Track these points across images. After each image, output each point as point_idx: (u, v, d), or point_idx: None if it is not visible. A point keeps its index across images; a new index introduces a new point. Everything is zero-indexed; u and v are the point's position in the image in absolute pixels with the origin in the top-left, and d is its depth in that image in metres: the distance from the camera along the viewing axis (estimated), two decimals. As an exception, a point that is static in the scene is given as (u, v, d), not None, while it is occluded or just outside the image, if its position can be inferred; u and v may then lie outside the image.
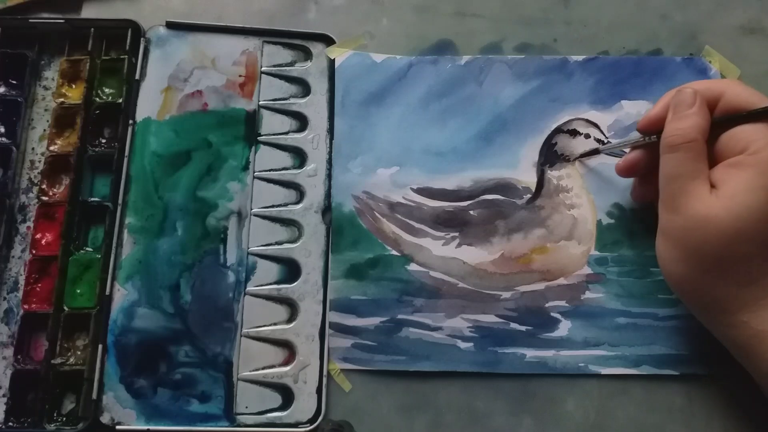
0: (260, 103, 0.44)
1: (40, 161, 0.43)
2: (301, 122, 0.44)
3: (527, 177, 0.42)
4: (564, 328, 0.39)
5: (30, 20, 0.44)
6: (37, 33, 0.45)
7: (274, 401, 0.39)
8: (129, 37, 0.44)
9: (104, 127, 0.43)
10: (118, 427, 0.38)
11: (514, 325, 0.40)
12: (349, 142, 0.43)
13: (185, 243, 0.41)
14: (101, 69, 0.44)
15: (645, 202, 0.40)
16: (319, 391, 0.38)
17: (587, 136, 0.42)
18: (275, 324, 0.40)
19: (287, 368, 0.39)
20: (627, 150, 0.39)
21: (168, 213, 0.41)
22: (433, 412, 0.38)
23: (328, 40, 0.45)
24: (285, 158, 0.43)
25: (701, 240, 0.32)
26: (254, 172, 0.42)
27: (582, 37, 0.45)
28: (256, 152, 0.43)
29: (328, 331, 0.40)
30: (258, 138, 0.43)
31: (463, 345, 0.39)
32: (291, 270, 0.41)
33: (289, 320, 0.40)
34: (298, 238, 0.41)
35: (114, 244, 0.40)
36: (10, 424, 0.38)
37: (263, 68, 0.45)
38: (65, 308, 0.39)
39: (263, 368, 0.39)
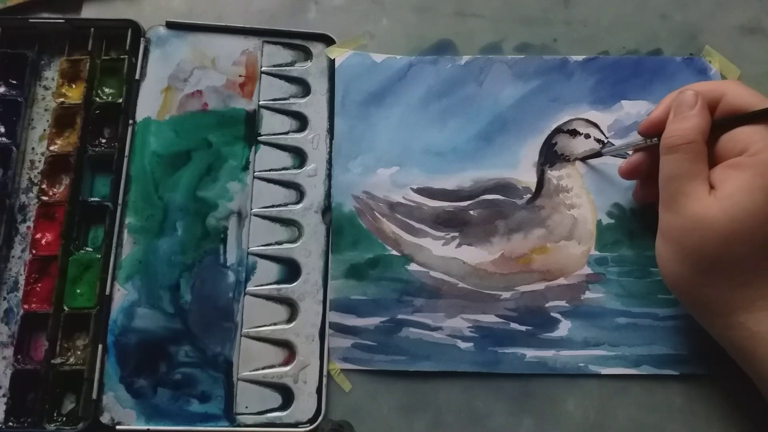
0: (260, 103, 0.44)
1: (40, 161, 0.43)
2: (301, 122, 0.44)
3: (527, 177, 0.42)
4: (564, 328, 0.39)
5: (30, 20, 0.44)
6: (37, 33, 0.45)
7: (274, 401, 0.39)
8: (129, 37, 0.44)
9: (104, 127, 0.43)
10: (118, 427, 0.38)
11: (514, 325, 0.40)
12: (349, 142, 0.43)
13: (185, 243, 0.41)
14: (101, 69, 0.44)
15: (647, 203, 0.40)
16: (319, 391, 0.38)
17: (587, 136, 0.42)
18: (275, 324, 0.40)
19: (287, 368, 0.39)
20: (630, 151, 0.39)
21: (168, 213, 0.41)
22: (433, 412, 0.38)
23: (328, 40, 0.45)
24: (285, 158, 0.43)
25: (699, 240, 0.33)
26: (254, 172, 0.42)
27: (582, 37, 0.45)
28: (256, 152, 0.43)
29: (328, 331, 0.40)
30: (258, 138, 0.43)
31: (463, 345, 0.39)
32: (291, 270, 0.41)
33: (289, 320, 0.40)
34: (298, 238, 0.41)
35: (114, 244, 0.40)
36: (10, 424, 0.38)
37: (263, 68, 0.45)
38: (65, 308, 0.39)
39: (263, 368, 0.39)
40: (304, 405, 0.38)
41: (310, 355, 0.39)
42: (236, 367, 0.39)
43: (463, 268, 0.41)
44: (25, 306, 0.40)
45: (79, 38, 0.44)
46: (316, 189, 0.42)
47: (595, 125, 0.43)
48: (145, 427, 0.38)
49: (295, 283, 0.41)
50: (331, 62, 0.45)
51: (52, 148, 0.42)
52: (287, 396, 0.39)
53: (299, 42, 0.45)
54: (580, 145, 0.42)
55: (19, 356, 0.39)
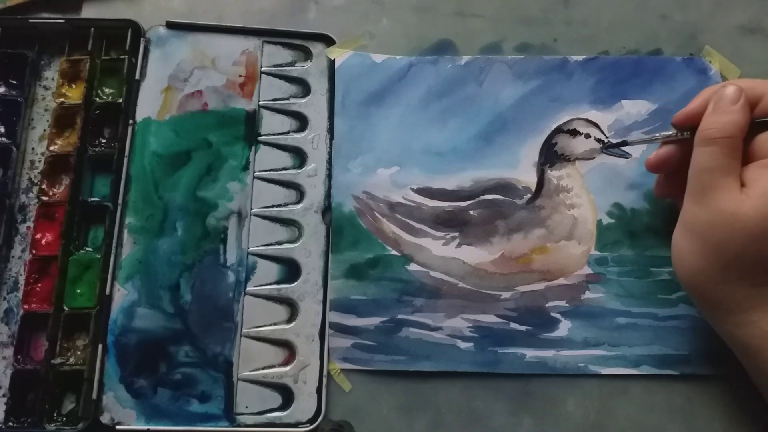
0: (260, 103, 0.44)
1: (40, 161, 0.43)
2: (301, 122, 0.44)
3: (527, 177, 0.42)
4: (564, 328, 0.39)
5: (30, 20, 0.44)
6: (37, 33, 0.45)
7: (274, 401, 0.39)
8: (129, 37, 0.44)
9: (104, 127, 0.43)
10: (118, 427, 0.38)
11: (514, 325, 0.40)
12: (349, 142, 0.43)
13: (185, 243, 0.41)
14: (101, 69, 0.44)
15: (667, 198, 0.40)
16: (319, 391, 0.38)
17: (587, 135, 0.42)
18: (275, 324, 0.40)
19: (287, 368, 0.39)
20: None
21: (168, 213, 0.41)
22: (433, 412, 0.38)
23: (328, 40, 0.45)
24: (285, 158, 0.43)
25: (726, 236, 0.32)
26: (254, 172, 0.42)
27: (582, 37, 0.45)
28: (256, 152, 0.43)
29: (328, 331, 0.40)
30: (258, 138, 0.43)
31: (463, 345, 0.39)
32: (291, 270, 0.41)
33: (289, 320, 0.40)
34: (298, 238, 0.41)
35: (114, 244, 0.40)
36: (10, 424, 0.38)
37: (263, 68, 0.45)
38: (65, 308, 0.39)
39: (263, 368, 0.39)
40: (304, 405, 0.38)
41: (310, 355, 0.39)
42: (236, 367, 0.39)
43: (463, 268, 0.41)
44: (25, 306, 0.40)
45: (79, 38, 0.44)
46: (316, 189, 0.42)
47: (596, 125, 0.43)
48: (145, 427, 0.38)
49: (295, 283, 0.40)
50: (331, 62, 0.45)
51: (52, 148, 0.42)
52: (287, 396, 0.39)
53: (299, 42, 0.45)
54: (580, 145, 0.42)
55: (19, 356, 0.39)
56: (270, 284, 0.41)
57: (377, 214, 0.42)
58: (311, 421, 0.38)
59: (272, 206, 0.42)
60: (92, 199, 0.42)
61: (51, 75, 0.45)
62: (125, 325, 0.39)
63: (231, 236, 0.41)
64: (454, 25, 0.46)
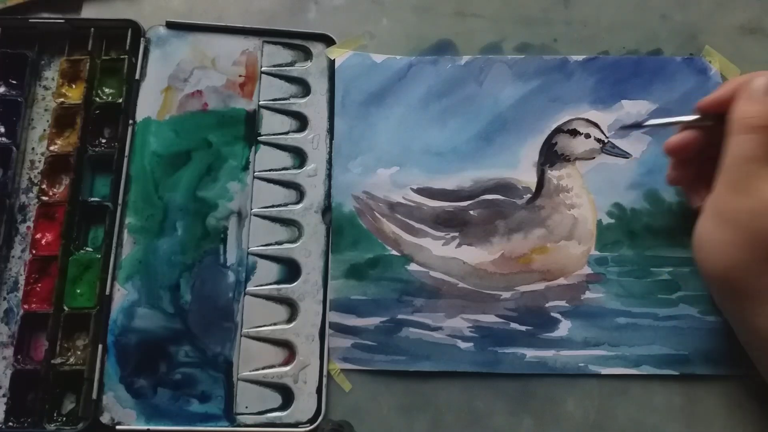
0: (260, 103, 0.44)
1: (40, 161, 0.43)
2: (301, 122, 0.44)
3: (527, 177, 0.42)
4: (564, 328, 0.39)
5: (30, 20, 0.44)
6: (37, 33, 0.45)
7: (274, 401, 0.39)
8: (129, 37, 0.44)
9: (104, 127, 0.43)
10: (118, 427, 0.38)
11: (514, 325, 0.40)
12: (349, 142, 0.43)
13: (185, 243, 0.41)
14: (101, 69, 0.44)
15: (679, 185, 0.39)
16: (319, 391, 0.38)
17: (587, 135, 0.42)
18: (275, 324, 0.40)
19: (287, 368, 0.39)
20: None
21: (168, 213, 0.41)
22: (433, 412, 0.38)
23: (328, 40, 0.45)
24: (285, 158, 0.43)
25: None
26: (254, 172, 0.42)
27: (582, 37, 0.45)
28: (256, 152, 0.43)
29: (328, 331, 0.40)
30: (258, 138, 0.43)
31: (463, 345, 0.39)
32: (291, 270, 0.41)
33: (289, 320, 0.40)
34: (298, 238, 0.41)
35: (114, 244, 0.40)
36: (10, 424, 0.38)
37: (263, 68, 0.45)
38: (65, 308, 0.39)
39: (263, 368, 0.39)
40: (304, 405, 0.38)
41: (310, 355, 0.39)
42: (236, 367, 0.39)
43: (463, 268, 0.41)
44: (25, 306, 0.40)
45: (79, 38, 0.44)
46: (316, 189, 0.42)
47: (596, 125, 0.43)
48: (145, 427, 0.38)
49: (295, 283, 0.40)
50: (331, 62, 0.45)
51: (52, 148, 0.42)
52: (287, 396, 0.39)
53: (299, 42, 0.45)
54: (580, 145, 0.42)
55: (19, 356, 0.39)
56: (270, 284, 0.41)
57: (377, 214, 0.42)
58: (311, 421, 0.38)
59: (272, 206, 0.42)
60: (92, 199, 0.42)
61: (51, 75, 0.45)
62: (125, 325, 0.39)
63: (231, 236, 0.41)
64: (454, 25, 0.46)
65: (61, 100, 0.43)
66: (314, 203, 0.42)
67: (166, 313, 0.40)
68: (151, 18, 0.45)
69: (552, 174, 0.42)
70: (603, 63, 0.44)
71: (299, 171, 0.43)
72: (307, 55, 0.45)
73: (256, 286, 0.40)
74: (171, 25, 0.45)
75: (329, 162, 0.43)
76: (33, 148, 0.43)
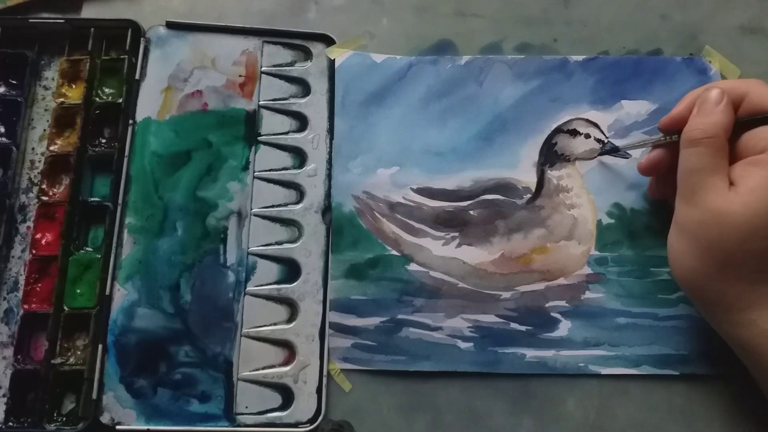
0: (260, 103, 0.44)
1: (40, 161, 0.43)
2: (301, 122, 0.44)
3: (527, 177, 0.42)
4: (564, 328, 0.39)
5: (30, 20, 0.44)
6: (37, 33, 0.45)
7: (274, 401, 0.39)
8: (129, 37, 0.44)
9: (104, 127, 0.43)
10: (118, 427, 0.38)
11: (514, 325, 0.40)
12: (349, 142, 0.43)
13: (185, 243, 0.41)
14: (101, 69, 0.44)
15: (662, 199, 0.40)
16: (319, 391, 0.38)
17: (587, 136, 0.42)
18: (275, 324, 0.40)
19: (287, 368, 0.39)
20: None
21: (168, 213, 0.41)
22: (433, 412, 0.38)
23: (328, 40, 0.45)
24: (285, 158, 0.43)
25: (717, 234, 0.32)
26: (254, 172, 0.42)
27: (582, 37, 0.45)
28: (256, 152, 0.43)
29: (328, 331, 0.40)
30: (258, 138, 0.43)
31: (463, 345, 0.39)
32: (291, 270, 0.41)
33: (289, 320, 0.40)
34: (298, 238, 0.41)
35: (114, 244, 0.40)
36: (10, 424, 0.38)
37: (263, 68, 0.45)
38: (65, 308, 0.39)
39: (263, 368, 0.39)
40: (304, 405, 0.38)
41: (310, 355, 0.39)
42: (236, 367, 0.39)
43: (463, 268, 0.41)
44: (25, 306, 0.40)
45: (79, 38, 0.44)
46: (316, 189, 0.42)
47: (595, 125, 0.43)
48: (145, 427, 0.38)
49: (295, 283, 0.41)
50: (331, 62, 0.45)
51: (52, 148, 0.42)
52: (287, 396, 0.39)
53: (299, 42, 0.45)
54: (580, 145, 0.42)
55: (19, 356, 0.39)
56: (270, 284, 0.41)
57: (377, 214, 0.42)
58: (311, 421, 0.38)
59: (272, 206, 0.42)
60: (92, 199, 0.42)
61: (51, 75, 0.45)
62: (125, 325, 0.39)
63: (231, 236, 0.41)
64: (454, 25, 0.46)
65: (61, 100, 0.43)
66: (314, 203, 0.42)
67: (166, 313, 0.40)
68: (151, 18, 0.45)
69: (552, 174, 0.42)
70: (603, 63, 0.44)
71: (299, 171, 0.43)
72: (307, 55, 0.45)
73: (256, 286, 0.40)
74: (171, 25, 0.45)
75: (329, 162, 0.43)
76: (33, 148, 0.43)
